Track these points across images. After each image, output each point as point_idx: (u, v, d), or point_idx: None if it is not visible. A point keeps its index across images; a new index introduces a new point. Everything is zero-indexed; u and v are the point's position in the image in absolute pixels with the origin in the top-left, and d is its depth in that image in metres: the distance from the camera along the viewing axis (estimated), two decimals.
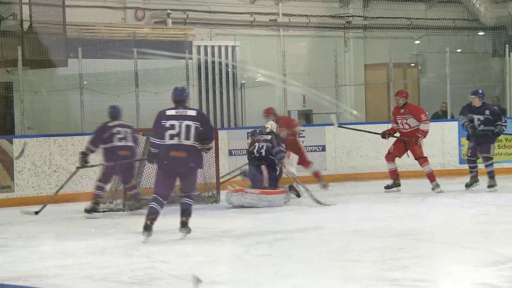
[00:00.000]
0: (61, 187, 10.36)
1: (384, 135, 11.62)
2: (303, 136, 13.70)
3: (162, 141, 7.68)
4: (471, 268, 6.00)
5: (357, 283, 5.51)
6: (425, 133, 11.28)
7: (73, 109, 13.30)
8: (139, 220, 8.70)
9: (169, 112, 7.78)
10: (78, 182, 11.36)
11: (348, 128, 12.73)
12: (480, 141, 11.20)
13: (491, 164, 11.24)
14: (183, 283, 5.79)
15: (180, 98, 7.89)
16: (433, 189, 11.25)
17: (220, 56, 15.33)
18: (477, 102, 11.20)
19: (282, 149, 10.69)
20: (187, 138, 7.67)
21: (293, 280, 5.73)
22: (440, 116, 15.50)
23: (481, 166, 11.38)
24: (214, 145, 8.21)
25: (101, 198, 10.15)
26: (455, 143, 14.09)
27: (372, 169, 13.57)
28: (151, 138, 7.94)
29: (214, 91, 15.29)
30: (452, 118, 14.83)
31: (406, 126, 11.37)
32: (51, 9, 13.11)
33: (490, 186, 11.19)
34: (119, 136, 10.04)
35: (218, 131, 11.62)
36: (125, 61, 13.56)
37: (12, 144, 11.50)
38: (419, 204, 10.25)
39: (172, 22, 15.72)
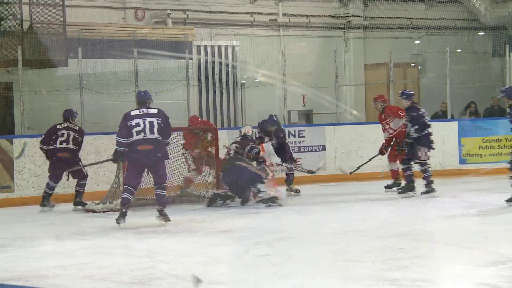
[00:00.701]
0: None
1: (381, 150, 11.51)
2: (303, 136, 13.70)
3: (129, 139, 8.48)
4: (471, 268, 5.99)
5: (357, 283, 5.51)
6: None
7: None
8: (139, 220, 8.73)
9: (133, 113, 8.65)
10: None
11: (358, 168, 12.15)
12: (406, 146, 10.71)
13: (426, 170, 10.64)
14: (183, 283, 5.79)
15: (142, 100, 8.81)
16: (388, 186, 11.25)
17: (220, 56, 15.32)
18: (403, 104, 10.81)
19: (253, 145, 10.60)
20: (152, 132, 8.51)
21: (293, 280, 5.73)
22: (440, 116, 15.50)
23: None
24: (171, 140, 9.08)
25: (48, 194, 10.53)
26: (455, 143, 14.09)
27: (372, 169, 13.55)
28: (116, 137, 8.64)
29: (214, 91, 15.28)
30: (452, 118, 14.84)
31: (391, 131, 11.27)
32: (51, 9, 13.10)
33: (425, 192, 10.65)
34: (61, 138, 10.54)
35: (218, 131, 11.62)
36: (125, 61, 13.55)
37: (12, 144, 11.50)
38: (419, 204, 10.24)
39: (172, 22, 15.71)
